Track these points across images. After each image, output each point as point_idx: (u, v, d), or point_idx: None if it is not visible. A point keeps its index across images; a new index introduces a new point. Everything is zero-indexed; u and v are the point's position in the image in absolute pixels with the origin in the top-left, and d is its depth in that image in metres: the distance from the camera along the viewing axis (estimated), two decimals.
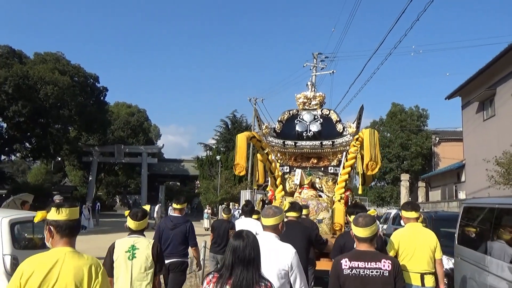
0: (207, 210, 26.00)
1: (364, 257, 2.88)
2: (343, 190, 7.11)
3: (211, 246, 7.36)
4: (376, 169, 6.13)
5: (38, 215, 2.45)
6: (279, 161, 8.03)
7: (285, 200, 6.85)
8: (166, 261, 5.19)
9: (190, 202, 44.30)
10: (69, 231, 2.30)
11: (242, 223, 6.45)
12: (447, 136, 29.75)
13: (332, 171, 7.77)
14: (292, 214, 4.67)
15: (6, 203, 10.23)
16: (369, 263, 2.84)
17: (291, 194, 7.52)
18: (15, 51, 32.68)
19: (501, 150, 13.71)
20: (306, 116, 7.82)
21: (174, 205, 5.65)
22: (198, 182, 44.99)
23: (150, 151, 47.30)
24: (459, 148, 24.09)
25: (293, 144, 7.59)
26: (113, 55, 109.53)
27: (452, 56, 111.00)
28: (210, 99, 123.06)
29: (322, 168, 7.85)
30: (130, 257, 3.57)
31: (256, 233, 5.29)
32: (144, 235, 3.78)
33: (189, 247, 5.54)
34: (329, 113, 7.89)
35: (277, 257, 3.00)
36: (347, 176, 7.18)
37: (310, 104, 8.06)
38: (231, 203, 24.75)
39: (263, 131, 7.70)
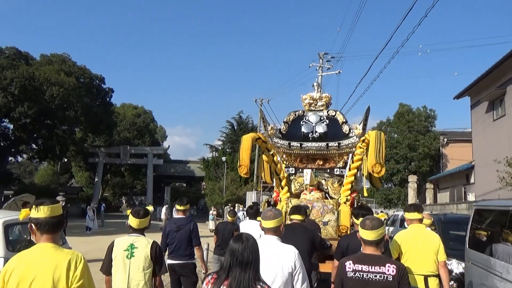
0: (212, 212, 25.85)
1: (368, 260, 2.85)
2: (349, 192, 7.00)
3: (215, 248, 7.33)
4: (382, 172, 6.02)
5: (22, 213, 2.52)
6: (284, 162, 7.95)
7: (291, 202, 6.78)
8: (173, 262, 5.34)
9: (196, 204, 44.31)
10: (49, 228, 2.33)
11: (247, 226, 6.40)
12: (455, 137, 29.43)
13: (338, 172, 7.68)
14: (297, 217, 4.62)
15: (7, 204, 10.19)
16: (373, 267, 2.81)
17: (297, 195, 7.43)
18: (22, 52, 32.87)
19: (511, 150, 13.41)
20: (312, 117, 7.74)
21: (177, 207, 5.68)
22: (204, 183, 44.92)
23: (155, 152, 47.36)
24: (467, 149, 23.77)
25: (299, 145, 7.49)
26: (120, 56, 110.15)
27: (460, 56, 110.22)
28: (216, 101, 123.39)
29: (328, 170, 7.75)
30: (129, 256, 3.56)
31: (261, 236, 5.23)
32: (144, 235, 3.76)
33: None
34: (335, 114, 7.80)
35: (280, 259, 3.01)
36: (353, 178, 7.08)
37: (316, 105, 7.98)
38: (236, 205, 24.55)
39: (269, 132, 7.62)
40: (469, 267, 6.25)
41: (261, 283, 2.32)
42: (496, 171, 13.58)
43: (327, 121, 7.68)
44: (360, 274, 2.82)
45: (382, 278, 2.78)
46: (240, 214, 16.70)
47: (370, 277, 2.80)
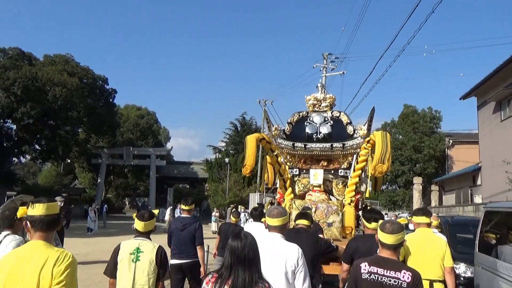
0: (214, 213, 25.67)
1: (384, 264, 2.84)
2: (353, 193, 6.96)
3: (218, 249, 7.37)
4: (384, 171, 5.89)
5: (20, 211, 2.58)
6: (288, 163, 7.88)
7: (294, 203, 6.74)
8: (178, 262, 5.42)
9: (199, 205, 44.15)
10: (43, 226, 2.35)
11: (251, 227, 6.34)
12: (461, 138, 29.22)
13: (342, 174, 7.58)
14: (303, 222, 4.63)
15: (5, 205, 10.01)
16: (389, 271, 2.80)
17: (301, 196, 7.36)
18: (25, 53, 32.87)
19: None
20: (316, 118, 7.68)
21: (183, 206, 5.75)
22: (207, 184, 44.80)
23: (158, 153, 47.27)
24: (473, 150, 23.55)
25: (303, 146, 7.42)
26: (124, 57, 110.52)
27: (465, 56, 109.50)
28: (220, 102, 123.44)
29: (332, 171, 7.64)
30: (134, 260, 3.57)
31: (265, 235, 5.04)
32: (150, 238, 3.77)
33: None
34: (340, 115, 7.75)
35: (284, 257, 3.04)
36: (357, 179, 7.03)
37: (320, 106, 7.92)
38: (239, 206, 24.35)
39: (273, 132, 7.58)
40: (479, 271, 6.10)
41: (263, 282, 2.33)
42: (505, 172, 13.29)
43: (332, 122, 7.64)
44: (375, 277, 2.81)
45: (396, 283, 2.76)
46: (241, 216, 16.50)
47: (385, 281, 2.78)
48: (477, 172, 20.24)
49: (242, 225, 13.57)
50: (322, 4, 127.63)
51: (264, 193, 22.35)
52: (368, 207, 6.67)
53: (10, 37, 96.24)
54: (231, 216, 8.34)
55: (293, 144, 7.45)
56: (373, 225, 4.22)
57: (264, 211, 7.01)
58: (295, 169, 7.74)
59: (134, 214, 3.88)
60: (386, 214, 23.55)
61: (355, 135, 7.41)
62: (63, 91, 30.23)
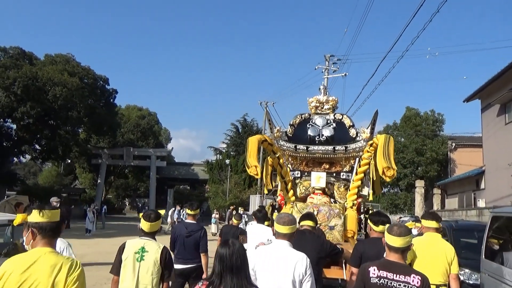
0: (214, 215, 25.46)
1: (393, 268, 2.84)
2: (355, 196, 6.92)
3: None
4: (392, 174, 5.80)
5: (18, 218, 2.52)
6: (290, 165, 7.85)
7: (296, 205, 6.69)
8: (182, 267, 5.43)
9: (200, 207, 43.88)
10: (51, 233, 2.38)
11: (255, 229, 6.29)
12: (464, 141, 29.05)
13: (344, 177, 7.58)
14: (308, 223, 4.61)
15: (0, 204, 9.85)
16: (398, 276, 2.79)
17: (302, 199, 7.32)
18: (26, 52, 32.74)
19: None
20: (318, 121, 7.68)
21: (188, 211, 5.80)
22: (207, 186, 44.64)
23: (159, 154, 47.09)
24: (476, 154, 23.37)
25: (305, 148, 7.41)
26: (126, 58, 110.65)
27: (468, 59, 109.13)
28: (221, 104, 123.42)
29: (334, 174, 7.63)
30: (139, 259, 3.59)
31: (269, 240, 5.03)
32: (155, 239, 3.79)
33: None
34: (342, 118, 7.74)
35: (292, 266, 3.05)
36: (359, 182, 7.00)
37: (322, 108, 7.91)
38: (238, 208, 24.13)
39: (275, 134, 7.56)
40: (485, 279, 5.94)
41: (251, 286, 2.41)
42: (510, 176, 13.06)
43: (334, 124, 7.61)
44: (384, 281, 2.80)
45: None
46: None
47: (394, 285, 2.78)
48: (481, 175, 20.04)
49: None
50: (324, 6, 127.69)
51: (264, 195, 22.22)
52: (370, 211, 6.63)
53: (12, 37, 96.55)
54: (233, 218, 8.30)
55: (295, 147, 7.44)
56: (380, 228, 4.19)
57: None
58: (296, 172, 7.72)
59: (141, 214, 3.92)
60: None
61: (357, 138, 7.38)
62: (64, 91, 30.08)
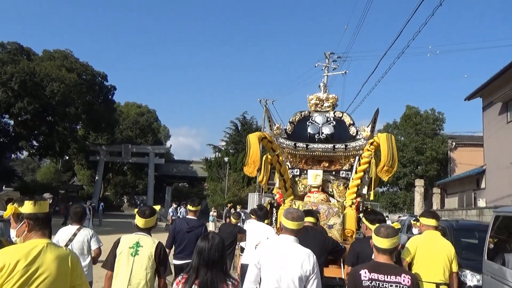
0: (212, 213, 25.25)
1: (384, 269, 2.86)
2: (354, 195, 6.88)
3: None
4: (392, 173, 5.94)
5: (8, 210, 2.42)
6: (289, 163, 7.79)
7: (295, 203, 6.65)
8: (181, 262, 5.42)
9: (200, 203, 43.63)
10: (47, 223, 2.36)
11: (254, 228, 6.21)
12: (464, 140, 28.90)
13: (343, 175, 7.53)
14: (309, 220, 4.58)
15: None
16: (389, 277, 2.82)
17: (301, 197, 7.29)
18: (24, 47, 32.56)
19: None
20: (318, 118, 7.66)
21: (189, 207, 5.85)
22: (206, 184, 44.48)
23: (157, 151, 46.92)
24: (476, 153, 23.21)
25: (305, 146, 7.36)
26: (127, 55, 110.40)
27: (469, 58, 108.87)
28: (221, 101, 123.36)
29: (334, 172, 7.59)
30: (133, 254, 3.58)
31: (268, 239, 4.70)
32: (150, 234, 3.79)
33: None
34: (342, 116, 7.72)
35: (299, 262, 3.03)
36: (359, 181, 6.96)
37: (322, 106, 7.89)
38: (236, 206, 23.92)
39: (274, 132, 7.51)
40: (487, 281, 5.78)
41: (231, 279, 2.46)
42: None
43: (334, 122, 7.58)
44: (376, 283, 2.82)
45: None
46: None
47: (386, 286, 2.81)
48: (481, 175, 19.86)
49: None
50: (324, 3, 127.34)
51: (263, 193, 22.11)
52: (369, 210, 6.46)
53: (10, 32, 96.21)
54: (232, 217, 8.26)
55: (295, 144, 7.40)
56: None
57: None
58: (295, 170, 7.67)
59: (136, 210, 3.91)
60: (387, 216, 23.19)
61: (358, 137, 7.35)
62: (61, 86, 29.88)
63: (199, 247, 2.47)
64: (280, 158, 7.08)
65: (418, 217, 5.18)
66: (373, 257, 3.05)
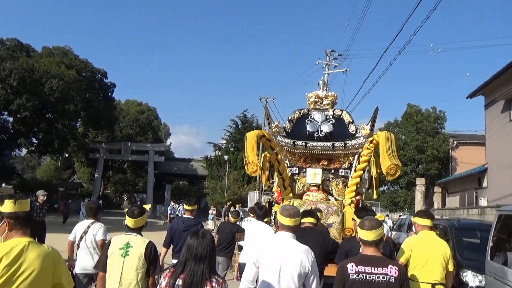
0: (211, 211, 25.14)
1: (371, 261, 2.87)
2: (353, 194, 6.81)
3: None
4: (398, 173, 5.86)
5: None
6: (288, 161, 7.74)
7: (293, 202, 6.58)
8: None
9: (198, 203, 43.59)
10: (27, 222, 2.35)
11: (253, 226, 6.20)
12: (465, 139, 28.75)
13: (342, 173, 7.49)
14: (309, 220, 4.59)
15: None
16: (376, 268, 2.82)
17: (300, 196, 7.27)
18: (23, 44, 32.43)
19: None
20: (317, 116, 7.62)
21: (186, 206, 5.91)
22: (206, 182, 44.37)
23: (157, 149, 46.75)
24: (478, 152, 23.09)
25: (304, 144, 7.31)
26: (127, 53, 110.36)
27: (470, 56, 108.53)
28: (222, 100, 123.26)
29: (333, 171, 7.55)
30: (123, 254, 3.59)
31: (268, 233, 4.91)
32: (141, 234, 3.81)
33: None
34: (342, 114, 7.68)
35: (298, 259, 3.02)
36: (358, 179, 6.92)
37: (321, 103, 7.85)
38: (236, 204, 23.78)
39: (273, 130, 7.49)
40: (490, 282, 5.62)
41: (216, 277, 2.47)
42: None
43: (333, 120, 7.53)
44: (363, 276, 2.82)
45: (385, 279, 2.80)
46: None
47: (373, 278, 2.81)
48: (483, 173, 19.71)
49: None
50: (324, 2, 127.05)
51: (262, 192, 22.01)
52: (360, 207, 6.51)
53: (9, 28, 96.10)
54: (231, 216, 8.26)
55: (294, 142, 7.35)
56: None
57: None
58: (294, 168, 7.63)
59: (126, 210, 3.94)
60: (387, 215, 23.05)
61: (357, 135, 7.33)
62: (60, 83, 29.71)
63: (188, 243, 2.51)
64: (279, 156, 7.04)
65: (412, 218, 4.99)
66: (360, 250, 3.05)
